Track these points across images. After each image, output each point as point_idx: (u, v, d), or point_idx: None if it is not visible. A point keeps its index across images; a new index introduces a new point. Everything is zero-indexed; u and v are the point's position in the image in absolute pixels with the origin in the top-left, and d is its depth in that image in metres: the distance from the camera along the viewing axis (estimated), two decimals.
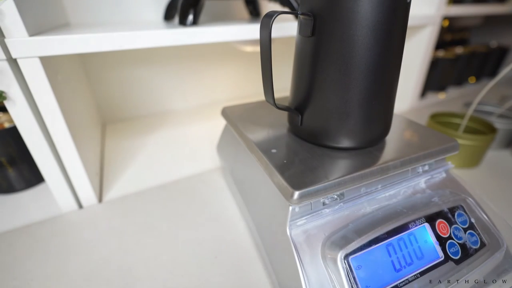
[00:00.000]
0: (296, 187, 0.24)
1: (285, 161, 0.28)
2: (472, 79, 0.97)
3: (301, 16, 0.27)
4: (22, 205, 0.41)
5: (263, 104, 0.42)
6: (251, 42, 0.62)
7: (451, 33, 0.93)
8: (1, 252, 0.34)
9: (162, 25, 0.44)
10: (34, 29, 0.31)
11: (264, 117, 0.38)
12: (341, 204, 0.27)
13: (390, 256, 0.25)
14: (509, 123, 0.54)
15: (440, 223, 0.28)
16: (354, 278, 0.23)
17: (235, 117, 0.38)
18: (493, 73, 1.03)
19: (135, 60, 0.65)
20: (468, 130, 0.54)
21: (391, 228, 0.26)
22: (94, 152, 0.48)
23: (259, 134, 0.33)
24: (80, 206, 0.41)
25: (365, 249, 0.25)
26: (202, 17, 0.45)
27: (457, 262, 0.26)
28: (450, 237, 0.27)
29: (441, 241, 0.27)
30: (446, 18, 0.77)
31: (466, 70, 0.91)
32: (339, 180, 0.25)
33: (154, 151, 0.56)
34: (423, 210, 0.28)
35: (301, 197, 0.24)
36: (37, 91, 0.32)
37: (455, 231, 0.28)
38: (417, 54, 0.68)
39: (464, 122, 0.52)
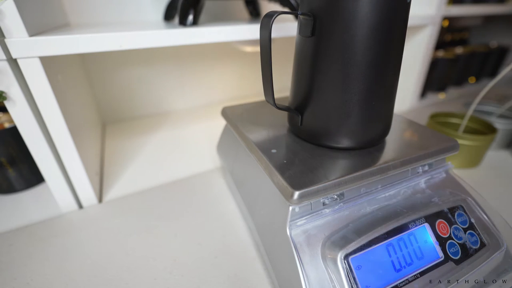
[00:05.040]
0: (296, 187, 0.24)
1: (285, 161, 0.28)
2: (472, 79, 0.97)
3: (301, 16, 0.27)
4: (22, 205, 0.41)
5: (263, 104, 0.42)
6: (251, 42, 0.62)
7: (451, 33, 0.93)
8: (1, 252, 0.34)
9: (162, 25, 0.44)
10: (34, 29, 0.31)
11: (264, 117, 0.38)
12: (341, 204, 0.27)
13: (390, 256, 0.25)
14: (509, 123, 0.54)
15: (440, 223, 0.28)
16: (354, 278, 0.23)
17: (235, 117, 0.38)
18: (493, 73, 1.03)
19: (135, 60, 0.65)
20: (468, 130, 0.54)
21: (391, 228, 0.26)
22: (94, 152, 0.48)
23: (259, 134, 0.33)
24: (80, 206, 0.41)
25: (365, 249, 0.25)
26: (202, 17, 0.45)
27: (457, 262, 0.26)
28: (450, 237, 0.27)
29: (441, 241, 0.27)
30: (446, 18, 0.77)
31: (466, 70, 0.91)
32: (339, 180, 0.25)
33: (154, 151, 0.56)
34: (423, 210, 0.28)
35: (301, 197, 0.24)
36: (37, 91, 0.32)
37: (455, 231, 0.28)
38: (417, 54, 0.68)
39: (464, 122, 0.52)
